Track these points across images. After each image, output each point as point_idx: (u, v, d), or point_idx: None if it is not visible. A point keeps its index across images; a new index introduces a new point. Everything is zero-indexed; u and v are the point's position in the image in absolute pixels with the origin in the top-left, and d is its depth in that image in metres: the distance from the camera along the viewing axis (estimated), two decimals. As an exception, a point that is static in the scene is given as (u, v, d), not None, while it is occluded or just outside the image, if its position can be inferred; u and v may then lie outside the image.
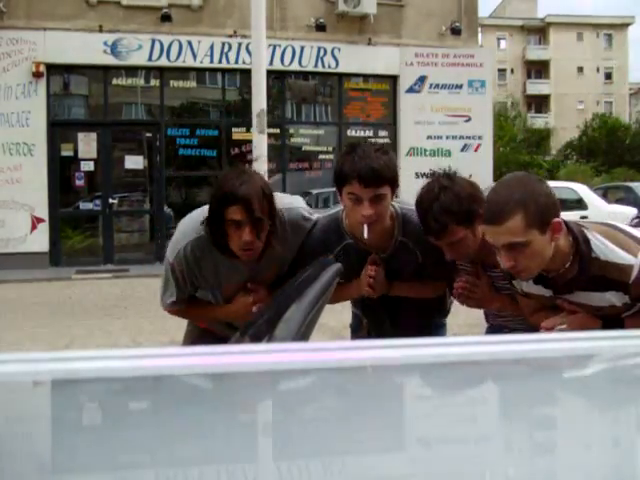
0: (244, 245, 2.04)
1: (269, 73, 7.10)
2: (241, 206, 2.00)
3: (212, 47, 13.04)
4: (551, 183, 2.09)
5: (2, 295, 9.66)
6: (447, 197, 2.01)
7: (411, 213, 2.20)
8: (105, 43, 12.39)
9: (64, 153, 12.62)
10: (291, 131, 13.64)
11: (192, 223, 2.24)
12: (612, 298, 1.85)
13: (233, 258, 2.14)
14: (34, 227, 12.19)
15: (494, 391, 0.91)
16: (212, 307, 2.34)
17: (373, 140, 13.63)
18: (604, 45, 53.93)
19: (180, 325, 2.66)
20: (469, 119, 14.24)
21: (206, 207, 2.16)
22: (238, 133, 12.77)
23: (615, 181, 23.77)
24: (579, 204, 11.25)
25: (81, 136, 12.58)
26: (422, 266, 2.28)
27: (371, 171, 2.02)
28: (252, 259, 2.12)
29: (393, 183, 2.10)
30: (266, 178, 4.59)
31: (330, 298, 1.77)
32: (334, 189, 2.27)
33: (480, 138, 14.43)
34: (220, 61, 13.14)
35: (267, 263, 2.21)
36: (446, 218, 2.00)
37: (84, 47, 12.17)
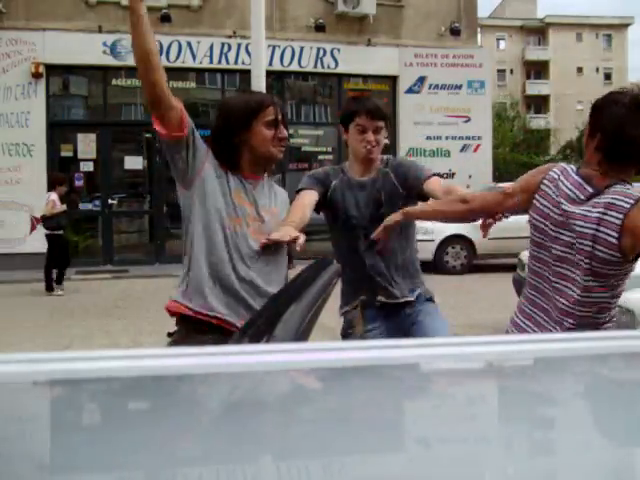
0: (281, 141, 2.37)
1: (268, 74, 7.10)
2: (276, 106, 2.37)
3: (211, 48, 13.05)
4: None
5: (1, 296, 9.66)
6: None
7: (393, 157, 3.00)
8: (104, 44, 12.41)
9: (63, 154, 12.64)
10: (290, 132, 13.61)
11: None
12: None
13: (242, 175, 2.38)
14: (33, 228, 12.20)
15: (494, 391, 0.91)
16: None
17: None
18: (603, 46, 53.98)
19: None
20: (468, 119, 14.26)
21: None
22: (238, 134, 12.77)
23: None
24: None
25: (80, 137, 12.60)
26: (398, 189, 2.84)
27: (375, 107, 2.78)
28: (282, 157, 2.45)
29: (387, 122, 2.84)
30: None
31: None
32: None
33: (479, 139, 14.44)
34: (219, 62, 13.15)
35: (268, 191, 2.44)
36: None
37: (83, 48, 12.19)
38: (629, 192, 2.11)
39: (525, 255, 7.32)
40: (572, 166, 2.26)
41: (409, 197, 2.83)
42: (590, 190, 2.14)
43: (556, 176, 2.21)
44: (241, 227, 2.28)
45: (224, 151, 2.36)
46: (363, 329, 2.80)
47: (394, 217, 2.58)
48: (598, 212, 2.09)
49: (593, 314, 2.17)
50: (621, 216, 2.06)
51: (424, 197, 2.78)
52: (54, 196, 9.71)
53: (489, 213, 2.37)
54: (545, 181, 2.22)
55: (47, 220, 9.74)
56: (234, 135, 2.34)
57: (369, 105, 2.78)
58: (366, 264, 2.84)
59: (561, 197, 2.17)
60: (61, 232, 9.90)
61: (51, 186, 10.05)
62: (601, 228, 2.08)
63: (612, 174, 2.14)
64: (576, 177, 2.18)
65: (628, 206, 2.06)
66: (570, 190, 2.17)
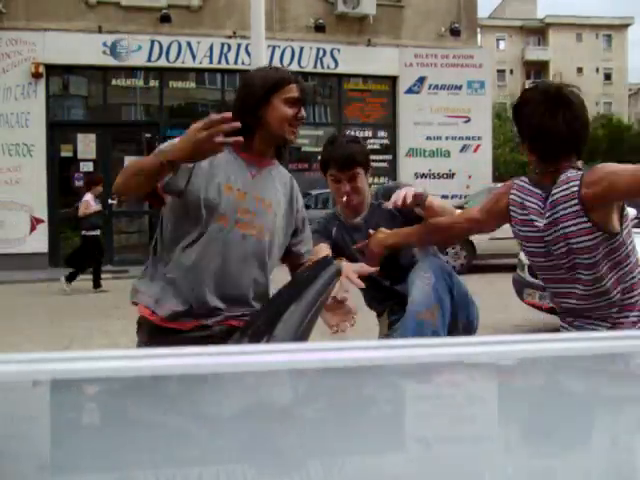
0: (298, 121, 2.24)
1: (268, 74, 7.11)
2: (299, 85, 2.25)
3: (211, 48, 13.05)
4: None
5: (1, 296, 9.65)
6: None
7: (381, 187, 2.94)
8: (104, 44, 12.41)
9: (63, 154, 12.63)
10: (291, 132, 13.63)
11: None
12: None
13: (243, 157, 2.26)
14: (33, 228, 12.20)
15: (494, 391, 0.91)
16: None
17: (372, 141, 13.67)
18: (603, 46, 53.99)
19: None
20: (468, 120, 14.26)
21: None
22: (237, 134, 12.77)
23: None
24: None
25: (80, 137, 12.59)
26: (395, 215, 2.71)
27: (345, 157, 2.63)
28: (294, 140, 2.31)
29: (365, 165, 2.69)
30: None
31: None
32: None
33: (479, 139, 14.44)
34: (219, 62, 13.15)
35: (269, 179, 2.30)
36: None
37: (83, 48, 12.19)
38: (570, 176, 2.07)
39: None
40: (523, 178, 2.25)
41: (407, 221, 2.71)
42: (542, 194, 2.13)
43: (517, 198, 2.21)
44: (228, 224, 2.16)
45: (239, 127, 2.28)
46: (388, 325, 2.79)
47: (378, 249, 2.51)
48: (555, 212, 2.08)
49: (620, 296, 2.10)
50: (576, 201, 2.03)
51: (421, 218, 2.68)
52: (88, 196, 9.76)
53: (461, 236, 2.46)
54: (510, 207, 2.23)
55: (81, 221, 9.80)
56: (252, 109, 2.20)
57: (339, 155, 2.63)
58: (393, 296, 2.76)
59: (532, 215, 2.15)
60: (97, 232, 9.93)
61: (87, 187, 10.08)
62: (568, 223, 2.05)
63: (552, 170, 2.11)
64: (533, 188, 2.18)
65: (576, 188, 2.03)
66: (535, 204, 2.15)
